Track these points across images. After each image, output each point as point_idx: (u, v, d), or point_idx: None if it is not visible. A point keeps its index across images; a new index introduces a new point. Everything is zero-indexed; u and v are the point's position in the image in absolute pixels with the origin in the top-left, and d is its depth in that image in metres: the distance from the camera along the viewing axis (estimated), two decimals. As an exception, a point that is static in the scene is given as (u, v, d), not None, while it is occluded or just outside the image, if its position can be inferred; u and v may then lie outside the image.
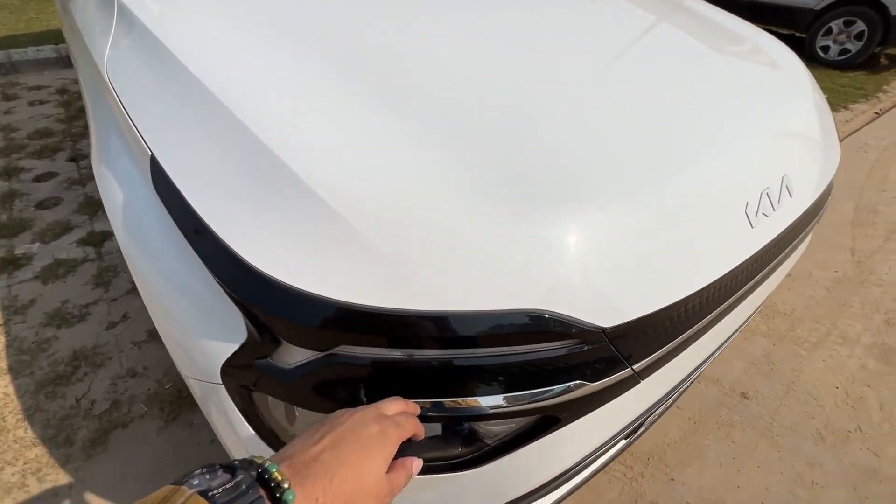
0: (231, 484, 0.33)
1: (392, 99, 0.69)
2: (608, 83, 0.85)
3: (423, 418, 0.55)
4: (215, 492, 0.32)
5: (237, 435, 0.61)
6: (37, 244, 2.00)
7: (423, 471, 0.63)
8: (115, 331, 1.64)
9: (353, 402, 0.54)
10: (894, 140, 3.51)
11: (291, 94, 0.68)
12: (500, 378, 0.55)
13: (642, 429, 0.96)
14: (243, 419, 0.60)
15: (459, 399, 0.55)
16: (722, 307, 0.72)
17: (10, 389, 1.44)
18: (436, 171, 0.59)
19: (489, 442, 0.63)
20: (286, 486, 0.34)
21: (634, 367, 0.62)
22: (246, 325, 0.54)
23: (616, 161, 0.67)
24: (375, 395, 0.53)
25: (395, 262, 0.52)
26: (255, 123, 0.60)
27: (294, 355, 0.54)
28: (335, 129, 0.63)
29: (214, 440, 1.30)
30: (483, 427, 0.63)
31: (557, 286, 0.55)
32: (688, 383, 0.94)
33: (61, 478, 1.25)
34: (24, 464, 1.27)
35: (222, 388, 0.59)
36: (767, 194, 0.75)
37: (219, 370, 0.57)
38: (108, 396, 1.44)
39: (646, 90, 0.85)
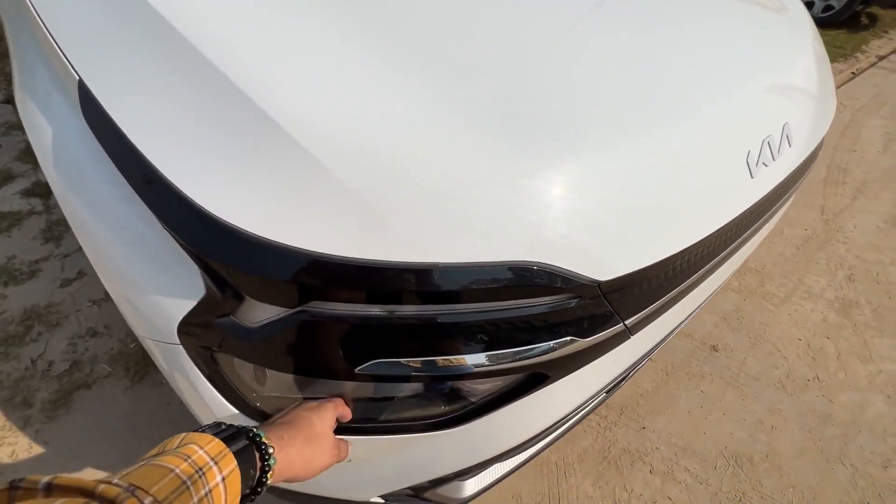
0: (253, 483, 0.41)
1: (376, 40, 0.60)
2: (602, 29, 0.77)
3: (406, 378, 0.52)
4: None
5: (202, 398, 0.56)
6: (-27, 195, 1.82)
7: (403, 430, 0.60)
8: (71, 288, 1.54)
9: (326, 363, 0.50)
10: (868, 100, 3.55)
11: (262, 21, 0.58)
12: (488, 335, 0.51)
13: (623, 383, 0.97)
14: (207, 382, 0.55)
15: (445, 358, 0.51)
16: (717, 259, 0.70)
17: (-45, 353, 1.34)
18: (422, 117, 0.51)
19: (473, 400, 0.61)
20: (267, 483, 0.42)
21: (627, 322, 0.60)
22: (203, 279, 0.48)
23: (612, 110, 0.61)
24: (352, 356, 0.49)
25: (374, 210, 0.46)
26: (208, 45, 0.51)
27: (259, 313, 0.48)
28: (310, 64, 0.54)
29: (185, 399, 1.26)
30: (468, 385, 0.60)
31: (551, 237, 0.51)
32: (670, 337, 0.94)
33: (21, 440, 1.19)
34: (-19, 429, 1.20)
35: (181, 349, 0.53)
36: (769, 143, 0.71)
37: (175, 330, 0.51)
38: (68, 357, 1.36)
39: (644, 36, 0.77)
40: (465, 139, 0.51)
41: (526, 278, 0.49)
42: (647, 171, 0.59)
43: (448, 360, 0.51)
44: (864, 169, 2.75)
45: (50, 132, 0.61)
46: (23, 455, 1.16)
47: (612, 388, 0.93)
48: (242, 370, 0.54)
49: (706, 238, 0.62)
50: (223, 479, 0.37)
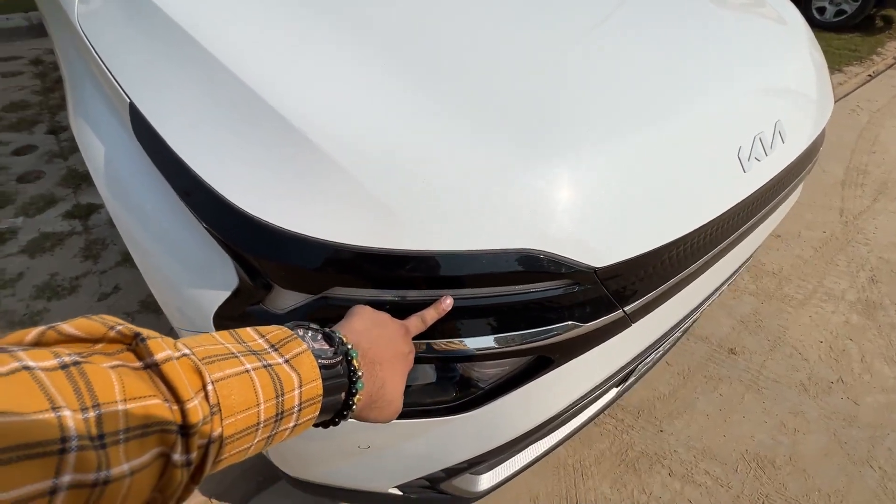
0: (332, 360, 0.37)
1: (387, 43, 0.67)
2: (602, 29, 0.82)
3: (418, 359, 0.56)
4: (322, 360, 0.36)
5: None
6: (21, 218, 1.96)
7: (417, 415, 0.64)
8: (108, 302, 1.64)
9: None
10: (886, 102, 3.50)
11: (280, 37, 0.65)
12: (493, 319, 0.56)
13: (633, 378, 0.99)
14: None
15: (452, 340, 0.55)
16: (713, 252, 0.73)
17: None
18: (430, 114, 0.57)
19: (482, 385, 0.64)
20: (360, 374, 0.39)
21: (626, 308, 0.63)
22: (237, 271, 0.54)
23: (609, 104, 0.66)
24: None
25: (387, 203, 0.51)
26: (238, 65, 0.58)
27: (287, 300, 0.54)
28: (325, 72, 0.61)
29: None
30: (476, 371, 0.64)
31: (549, 226, 0.55)
32: (677, 333, 0.95)
33: (63, 443, 1.26)
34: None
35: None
36: (760, 139, 0.75)
37: (211, 319, 0.57)
38: (105, 365, 1.44)
39: (643, 37, 0.83)
40: (468, 138, 0.56)
41: (525, 265, 0.53)
42: (641, 163, 0.63)
43: (455, 342, 0.55)
44: (883, 170, 2.71)
45: (103, 153, 0.70)
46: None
47: (622, 382, 0.95)
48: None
49: (700, 229, 0.66)
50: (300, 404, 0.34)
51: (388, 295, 0.53)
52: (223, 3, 0.69)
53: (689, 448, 1.34)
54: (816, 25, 4.80)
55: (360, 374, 0.39)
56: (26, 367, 0.21)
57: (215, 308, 0.56)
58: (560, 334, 0.59)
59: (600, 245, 0.58)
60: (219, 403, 0.29)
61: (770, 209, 0.85)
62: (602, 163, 0.60)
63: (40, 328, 0.26)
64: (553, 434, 0.96)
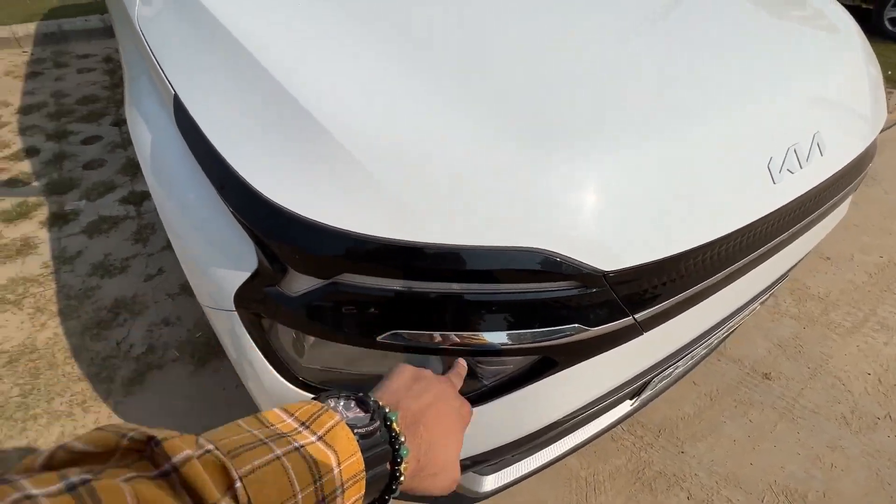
0: (370, 427, 0.33)
1: (405, 43, 0.69)
2: (637, 29, 0.82)
3: (420, 349, 0.58)
4: (359, 430, 0.33)
5: (249, 362, 0.65)
6: (83, 201, 2.13)
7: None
8: (152, 283, 1.75)
9: (352, 329, 0.57)
10: (962, 120, 3.21)
11: (309, 38, 0.69)
12: (498, 315, 0.56)
13: (649, 391, 0.96)
14: (255, 346, 0.64)
15: (456, 333, 0.56)
16: (737, 265, 0.70)
17: (60, 330, 1.57)
18: (444, 108, 0.59)
19: (486, 382, 0.65)
20: (402, 439, 0.34)
21: (636, 316, 0.62)
22: (257, 254, 0.57)
23: (634, 105, 0.66)
24: (374, 325, 0.56)
25: (398, 194, 0.53)
26: (271, 63, 0.62)
27: (301, 283, 0.57)
28: (349, 71, 0.64)
29: (239, 385, 1.38)
30: (480, 367, 0.64)
31: (560, 226, 0.56)
32: (700, 349, 0.92)
33: (103, 410, 1.36)
34: (71, 396, 1.39)
35: (235, 316, 0.62)
36: (795, 150, 0.71)
37: (232, 298, 0.61)
38: (145, 341, 1.54)
39: (681, 38, 0.82)
40: (484, 135, 0.57)
41: (532, 263, 0.54)
42: (661, 168, 0.61)
43: (459, 335, 0.56)
44: (954, 194, 2.48)
45: (150, 142, 0.76)
46: (104, 422, 1.33)
47: (637, 395, 0.92)
48: (284, 337, 0.63)
49: (720, 239, 0.64)
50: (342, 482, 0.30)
51: (395, 284, 0.54)
52: (263, 6, 0.74)
53: (712, 473, 1.28)
54: (888, 37, 4.48)
55: (402, 438, 0.34)
56: (28, 497, 0.19)
57: (235, 288, 0.60)
58: (566, 336, 0.59)
59: (612, 249, 0.57)
60: (250, 501, 0.26)
61: (805, 226, 0.81)
62: (619, 166, 0.59)
63: (50, 449, 0.24)
64: (561, 442, 0.95)
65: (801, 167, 0.72)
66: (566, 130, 0.60)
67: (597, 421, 0.99)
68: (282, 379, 0.65)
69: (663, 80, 0.70)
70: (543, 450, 0.95)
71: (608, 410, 0.92)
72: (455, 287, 0.55)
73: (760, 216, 0.67)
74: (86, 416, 1.34)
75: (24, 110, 2.82)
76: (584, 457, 1.30)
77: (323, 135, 0.55)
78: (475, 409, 0.65)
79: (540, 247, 0.54)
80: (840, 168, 0.78)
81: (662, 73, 0.71)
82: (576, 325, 0.59)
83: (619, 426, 1.37)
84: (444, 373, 0.65)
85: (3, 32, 3.47)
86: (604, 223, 0.57)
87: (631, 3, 0.91)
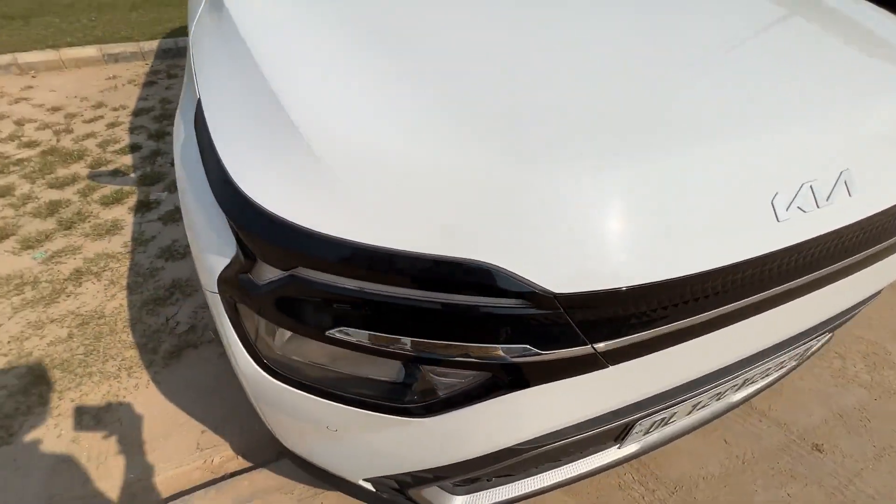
0: None
1: (393, 56, 0.73)
2: (642, 47, 0.80)
3: (365, 349, 0.59)
4: None
5: (228, 343, 0.71)
6: (165, 193, 2.42)
7: (375, 408, 0.66)
8: (206, 269, 1.94)
9: (308, 322, 0.60)
10: None
11: (316, 62, 0.75)
12: (444, 325, 0.56)
13: (642, 436, 0.89)
14: (232, 328, 0.69)
15: (403, 337, 0.57)
16: (730, 307, 0.64)
17: (125, 302, 1.79)
18: (404, 115, 0.61)
19: (440, 394, 0.65)
20: None
21: (597, 346, 0.59)
22: (236, 243, 0.63)
23: (615, 118, 0.64)
24: (324, 319, 0.58)
25: (357, 196, 0.56)
26: (270, 75, 0.69)
27: (266, 273, 0.61)
28: (334, 84, 0.69)
29: (258, 372, 1.47)
30: (435, 378, 0.64)
31: (515, 243, 0.55)
32: (704, 398, 0.84)
33: (143, 378, 1.52)
34: (122, 360, 1.57)
35: (218, 298, 0.68)
36: (812, 187, 0.64)
37: (216, 281, 0.67)
38: (189, 321, 1.71)
39: (712, 57, 0.79)
40: (444, 145, 0.58)
41: (478, 276, 0.53)
42: (634, 189, 0.58)
43: (404, 339, 0.57)
44: None
45: (182, 141, 0.86)
46: (142, 388, 1.48)
47: (622, 440, 0.86)
48: (252, 322, 0.68)
49: (702, 275, 0.59)
50: None
51: (346, 283, 0.57)
52: (281, 27, 0.82)
53: (729, 546, 1.14)
54: None
55: None
56: None
57: (218, 272, 0.66)
58: (515, 356, 0.57)
59: (568, 271, 0.55)
60: None
61: (833, 275, 0.72)
62: (585, 184, 0.57)
63: None
64: (540, 476, 0.91)
65: (817, 206, 0.64)
66: (532, 143, 0.59)
67: (582, 461, 0.93)
68: (253, 363, 0.70)
69: (653, 92, 0.67)
70: (520, 481, 0.91)
71: (588, 449, 0.86)
72: (403, 292, 0.56)
73: (754, 256, 0.60)
74: (129, 380, 1.51)
75: (137, 113, 3.28)
76: (587, 502, 1.22)
77: (297, 138, 0.60)
78: (430, 420, 0.65)
79: (489, 261, 0.54)
80: (876, 213, 0.69)
81: (650, 85, 0.69)
82: (525, 346, 0.57)
83: (631, 474, 1.27)
84: (403, 380, 0.66)
85: (133, 48, 4.09)
86: (562, 244, 0.55)
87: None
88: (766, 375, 0.96)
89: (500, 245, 0.55)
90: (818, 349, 1.19)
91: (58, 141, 2.82)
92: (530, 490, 0.92)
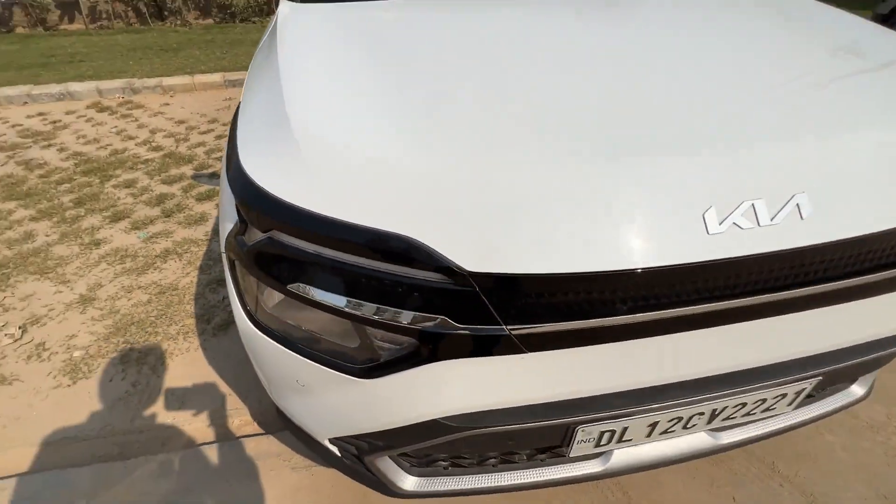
0: None
1: (374, 81, 0.87)
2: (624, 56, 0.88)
3: (314, 304, 0.70)
4: None
5: (231, 300, 0.87)
6: (247, 194, 2.81)
7: (331, 365, 0.77)
8: (263, 261, 2.21)
9: (276, 276, 0.73)
10: None
11: (320, 82, 0.91)
12: (373, 289, 0.66)
13: (582, 444, 0.87)
14: (233, 287, 0.85)
15: (341, 297, 0.68)
16: (648, 316, 0.65)
17: (195, 279, 2.10)
18: (365, 122, 0.75)
19: (381, 359, 0.74)
20: None
21: (510, 328, 0.64)
22: (236, 211, 0.79)
23: (551, 126, 0.72)
24: (287, 275, 0.71)
25: (321, 179, 0.69)
26: (286, 91, 0.86)
27: (253, 236, 0.76)
28: (325, 99, 0.85)
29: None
30: (379, 344, 0.73)
31: (438, 221, 0.63)
32: (652, 416, 0.81)
33: (194, 343, 1.77)
34: (182, 326, 1.84)
35: (225, 257, 0.85)
36: (754, 205, 0.65)
37: (224, 241, 0.84)
38: (241, 301, 1.96)
39: (670, 74, 0.85)
40: (383, 129, 0.71)
41: (399, 248, 0.63)
42: (550, 185, 0.64)
43: (340, 297, 0.68)
44: None
45: (229, 138, 1.08)
46: (192, 351, 1.73)
47: (567, 446, 0.86)
48: (247, 281, 0.82)
49: (609, 275, 0.62)
50: None
51: (304, 246, 0.69)
52: (303, 58, 1.01)
53: None
54: None
55: None
56: None
57: (226, 234, 0.82)
58: (434, 325, 0.65)
59: (482, 252, 0.62)
60: None
61: (792, 304, 0.70)
62: (517, 169, 0.65)
63: None
64: (491, 475, 0.94)
65: (758, 224, 0.64)
66: (463, 139, 0.69)
67: (542, 468, 0.94)
68: (245, 317, 0.85)
69: (621, 101, 0.75)
70: (474, 475, 0.95)
71: (533, 446, 0.88)
72: (346, 258, 0.67)
73: (674, 263, 0.62)
74: (183, 343, 1.77)
75: (240, 128, 3.84)
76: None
77: (289, 133, 0.75)
78: (374, 381, 0.74)
79: (411, 235, 0.63)
80: (831, 243, 0.66)
81: (622, 93, 0.76)
82: (444, 317, 0.65)
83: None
84: (354, 345, 0.76)
85: (240, 75, 4.85)
86: (481, 229, 0.63)
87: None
88: (749, 416, 0.90)
89: (428, 225, 0.64)
90: (841, 407, 1.08)
91: (176, 147, 3.40)
92: (484, 486, 0.95)
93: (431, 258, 0.62)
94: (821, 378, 0.85)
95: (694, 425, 0.88)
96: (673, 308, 0.66)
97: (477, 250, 0.63)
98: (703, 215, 0.64)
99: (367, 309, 0.67)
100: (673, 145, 0.69)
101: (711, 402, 0.82)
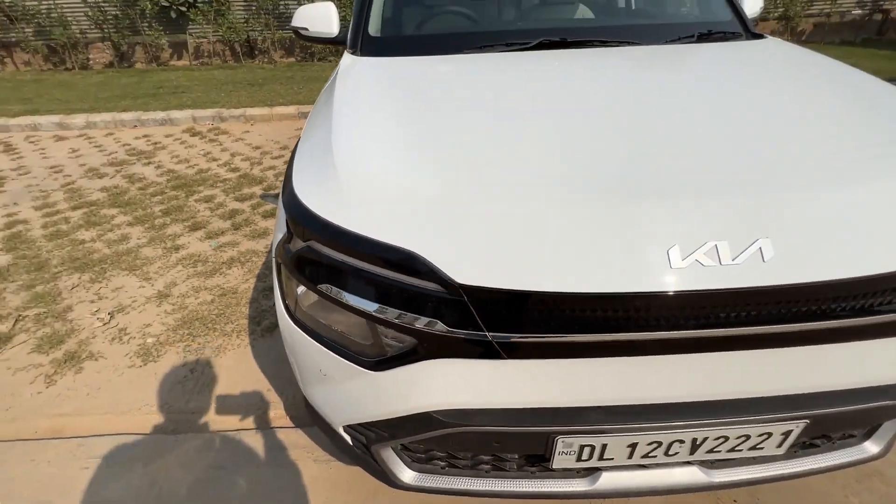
0: None
1: (409, 127, 1.05)
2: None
3: (336, 302, 0.86)
4: None
5: (276, 296, 1.05)
6: (305, 214, 3.11)
7: (350, 358, 0.92)
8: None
9: (311, 278, 0.90)
10: None
11: (362, 125, 1.11)
12: (380, 292, 0.81)
13: (564, 456, 0.94)
14: (277, 285, 1.03)
15: (355, 298, 0.83)
16: (617, 337, 0.74)
17: (251, 286, 2.36)
18: (391, 162, 0.92)
19: (388, 354, 0.87)
20: None
21: (492, 334, 0.76)
22: (286, 224, 0.98)
23: (543, 169, 0.86)
24: (317, 276, 0.88)
25: (352, 202, 0.86)
26: (334, 130, 1.06)
27: (296, 244, 0.94)
28: (364, 140, 1.03)
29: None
30: (387, 341, 0.87)
31: (439, 239, 0.78)
32: (632, 436, 0.87)
33: (244, 341, 2.00)
34: (236, 325, 2.09)
35: (274, 262, 1.04)
36: (717, 246, 0.73)
37: (274, 247, 1.03)
38: (288, 308, 2.18)
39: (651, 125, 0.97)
40: (403, 160, 0.87)
41: (403, 259, 0.77)
42: (532, 215, 0.77)
43: (355, 300, 0.83)
44: None
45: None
46: (242, 347, 1.96)
47: (549, 455, 0.93)
48: (289, 284, 1.00)
49: (578, 296, 0.72)
50: None
51: (332, 254, 0.86)
52: (353, 104, 1.21)
53: None
54: None
55: None
56: None
57: (276, 242, 1.02)
58: (428, 326, 0.78)
59: (472, 268, 0.75)
60: None
61: (760, 340, 0.76)
62: (503, 199, 0.79)
63: None
64: (484, 479, 1.03)
65: (718, 263, 0.72)
66: (468, 170, 0.84)
67: (523, 481, 1.01)
68: (287, 315, 1.02)
69: (624, 137, 0.90)
70: (467, 478, 1.04)
71: (518, 449, 0.96)
72: (363, 265, 0.83)
73: (638, 291, 0.72)
74: (236, 340, 2.00)
75: (307, 155, 4.26)
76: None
77: (332, 164, 0.94)
78: (381, 374, 0.88)
79: (416, 250, 0.77)
80: (792, 286, 0.72)
81: (621, 130, 0.90)
82: (437, 321, 0.78)
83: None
84: (367, 341, 0.90)
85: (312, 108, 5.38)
86: (472, 250, 0.76)
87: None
88: (734, 451, 0.93)
89: (431, 243, 0.78)
90: (850, 462, 1.06)
91: (251, 169, 3.84)
92: (475, 489, 1.03)
93: (430, 271, 0.76)
94: (808, 421, 0.88)
95: (676, 453, 0.92)
96: (634, 332, 0.74)
97: (469, 267, 0.76)
98: (668, 251, 0.73)
99: (376, 308, 0.82)
100: (648, 189, 0.79)
101: (689, 431, 0.87)
